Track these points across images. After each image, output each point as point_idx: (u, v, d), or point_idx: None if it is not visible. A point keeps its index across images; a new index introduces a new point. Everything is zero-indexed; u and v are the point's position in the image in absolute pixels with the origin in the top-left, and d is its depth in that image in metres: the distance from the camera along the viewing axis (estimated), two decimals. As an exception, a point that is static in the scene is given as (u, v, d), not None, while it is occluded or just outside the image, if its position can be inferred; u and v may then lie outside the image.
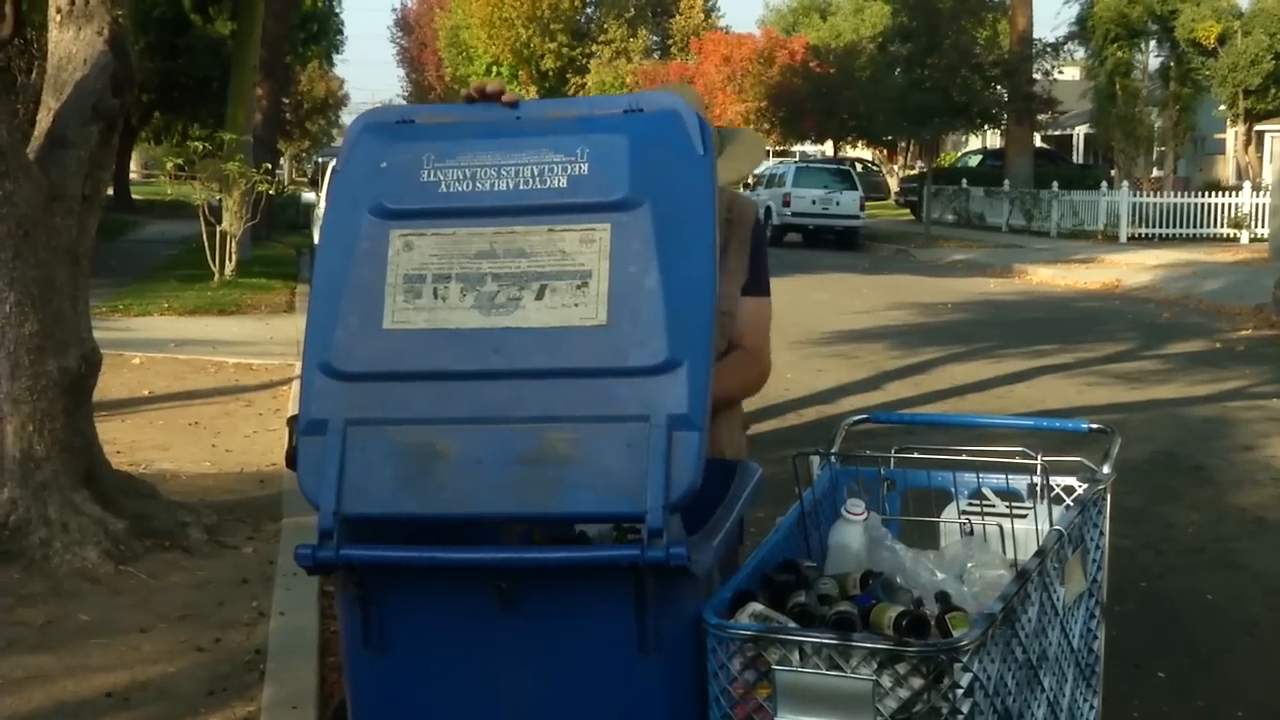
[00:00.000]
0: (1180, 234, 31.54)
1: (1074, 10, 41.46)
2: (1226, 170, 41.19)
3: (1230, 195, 32.30)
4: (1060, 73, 42.92)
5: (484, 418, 2.61)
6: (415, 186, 2.78)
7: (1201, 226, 31.65)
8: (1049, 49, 40.58)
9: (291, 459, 4.09)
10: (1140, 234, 31.65)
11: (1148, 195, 33.33)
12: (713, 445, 3.12)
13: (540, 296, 2.64)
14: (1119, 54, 38.96)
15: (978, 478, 3.40)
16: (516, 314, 2.65)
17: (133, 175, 53.40)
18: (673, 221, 2.66)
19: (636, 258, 2.64)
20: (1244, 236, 30.60)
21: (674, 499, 2.50)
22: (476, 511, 2.60)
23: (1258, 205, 30.62)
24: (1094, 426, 3.50)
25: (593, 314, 2.61)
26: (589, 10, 74.29)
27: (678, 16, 71.54)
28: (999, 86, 38.59)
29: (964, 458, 3.30)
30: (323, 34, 46.77)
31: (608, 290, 2.62)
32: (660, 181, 2.69)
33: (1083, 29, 40.24)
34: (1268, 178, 31.75)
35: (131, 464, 8.00)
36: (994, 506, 3.27)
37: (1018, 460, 3.23)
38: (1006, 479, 3.31)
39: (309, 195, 22.64)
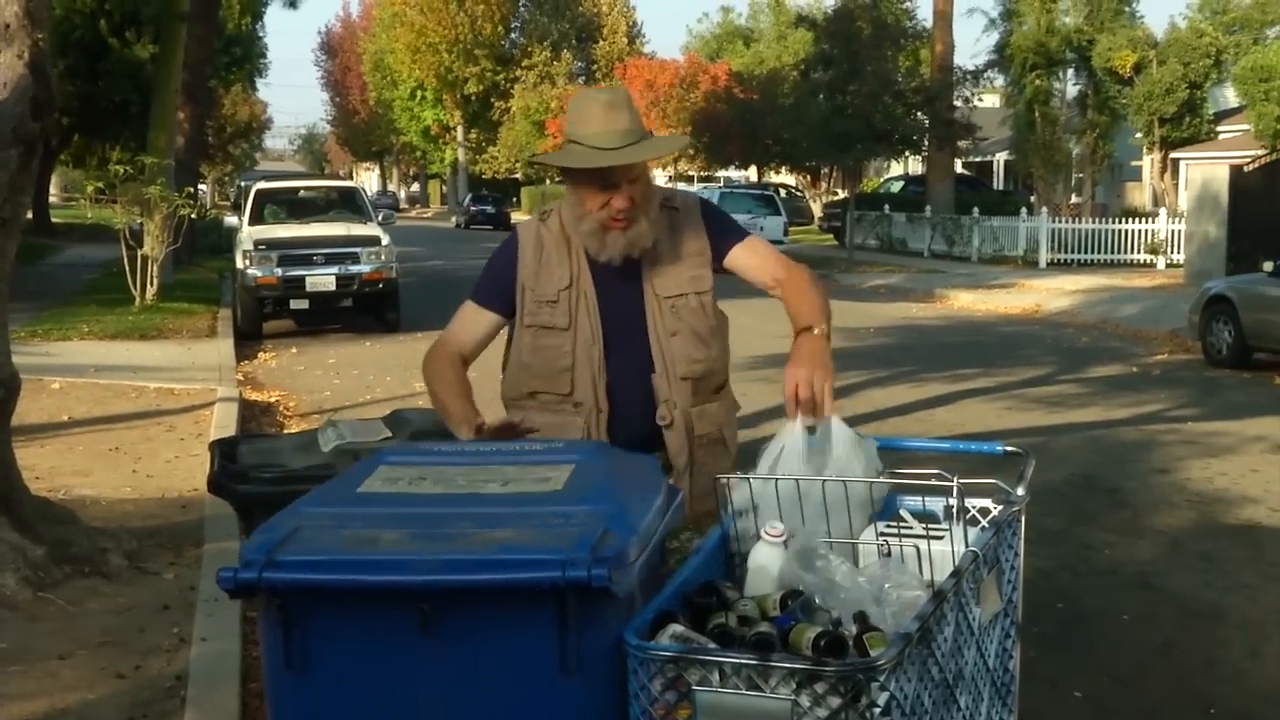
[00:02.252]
0: (1098, 259, 31.98)
1: (993, 38, 42.01)
2: (1143, 197, 41.81)
3: (1146, 221, 32.79)
4: (980, 100, 43.47)
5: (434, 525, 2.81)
6: (415, 449, 3.36)
7: (1119, 252, 32.11)
8: (969, 76, 41.06)
9: (214, 484, 4.10)
10: (1059, 259, 32.07)
11: (1066, 221, 33.76)
12: (711, 423, 3.80)
13: (504, 485, 2.97)
14: (1038, 82, 39.48)
15: (895, 500, 3.45)
16: (480, 491, 2.95)
17: (52, 199, 52.75)
18: (629, 472, 3.10)
19: (594, 474, 3.00)
20: (1160, 262, 31.07)
21: (600, 554, 2.55)
22: (408, 558, 2.61)
23: (1173, 231, 31.11)
24: (1009, 449, 3.56)
25: (550, 486, 2.95)
26: (513, 35, 74.38)
27: (602, 42, 71.88)
28: (920, 113, 38.99)
29: (883, 481, 3.35)
30: (246, 58, 46.48)
31: (568, 477, 2.97)
32: (619, 457, 3.21)
33: (1002, 57, 40.75)
34: (1183, 204, 32.29)
35: (50, 490, 7.92)
36: (911, 528, 3.32)
37: (934, 483, 3.28)
38: (923, 501, 3.37)
39: (231, 219, 22.48)
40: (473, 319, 3.87)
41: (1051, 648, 5.90)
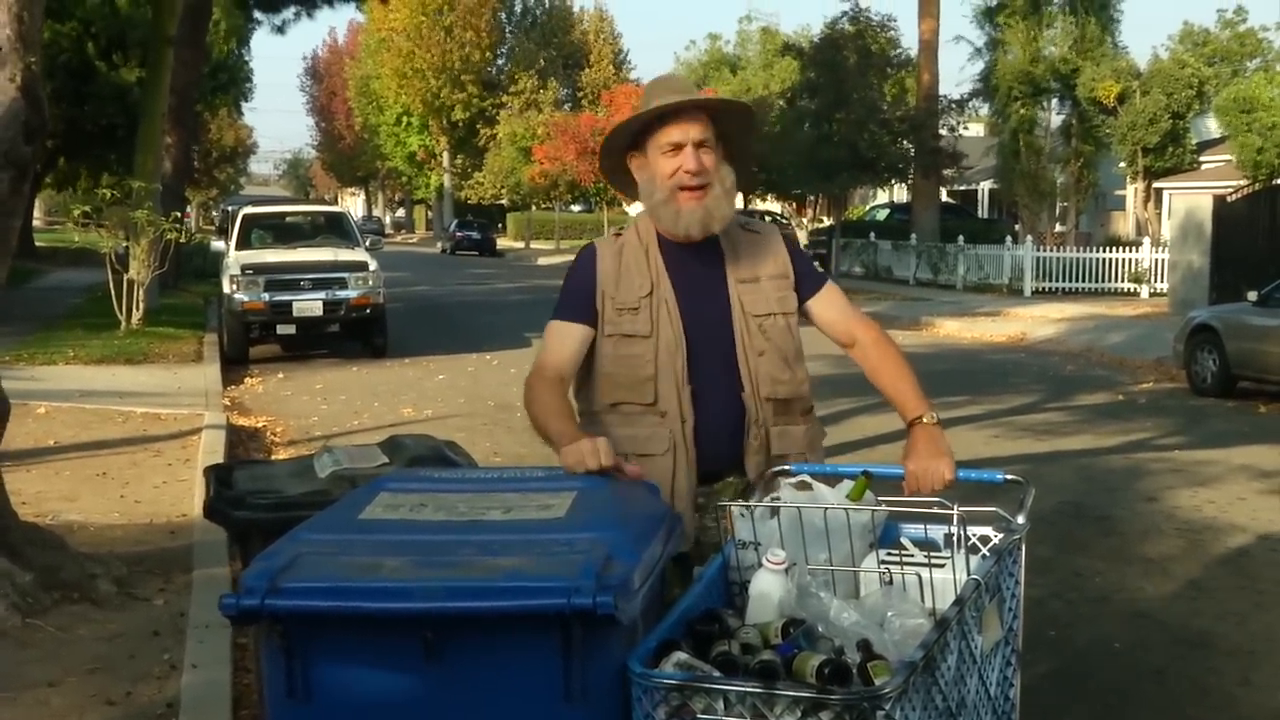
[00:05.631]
0: (1082, 288, 32.08)
1: (978, 67, 42.19)
2: (1126, 226, 41.94)
3: (1130, 250, 32.90)
4: (965, 128, 43.55)
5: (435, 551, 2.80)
6: (415, 476, 3.39)
7: (1103, 281, 32.21)
8: (954, 105, 41.21)
9: (210, 509, 4.08)
10: (1044, 288, 32.15)
11: (1051, 250, 33.86)
12: (792, 446, 3.79)
13: (506, 512, 2.97)
14: (1022, 111, 39.66)
15: (896, 527, 3.45)
16: (482, 518, 2.95)
17: (36, 222, 52.65)
18: (631, 500, 3.13)
19: (596, 501, 3.02)
20: (1144, 291, 31.18)
21: (605, 581, 2.55)
22: (411, 586, 2.60)
23: (1157, 260, 31.23)
24: (1009, 478, 3.56)
25: (553, 514, 2.94)
26: (499, 62, 74.54)
27: (588, 69, 71.99)
28: (905, 141, 39.10)
29: (883, 508, 3.35)
30: (232, 83, 46.50)
31: (569, 505, 2.98)
32: (620, 484, 3.22)
33: (987, 86, 40.93)
34: (1166, 233, 32.41)
35: (38, 515, 7.87)
36: (912, 556, 3.32)
37: (935, 510, 3.29)
38: (925, 529, 3.36)
39: (218, 243, 22.42)
40: (561, 337, 3.76)
41: (1044, 676, 5.90)
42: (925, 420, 3.66)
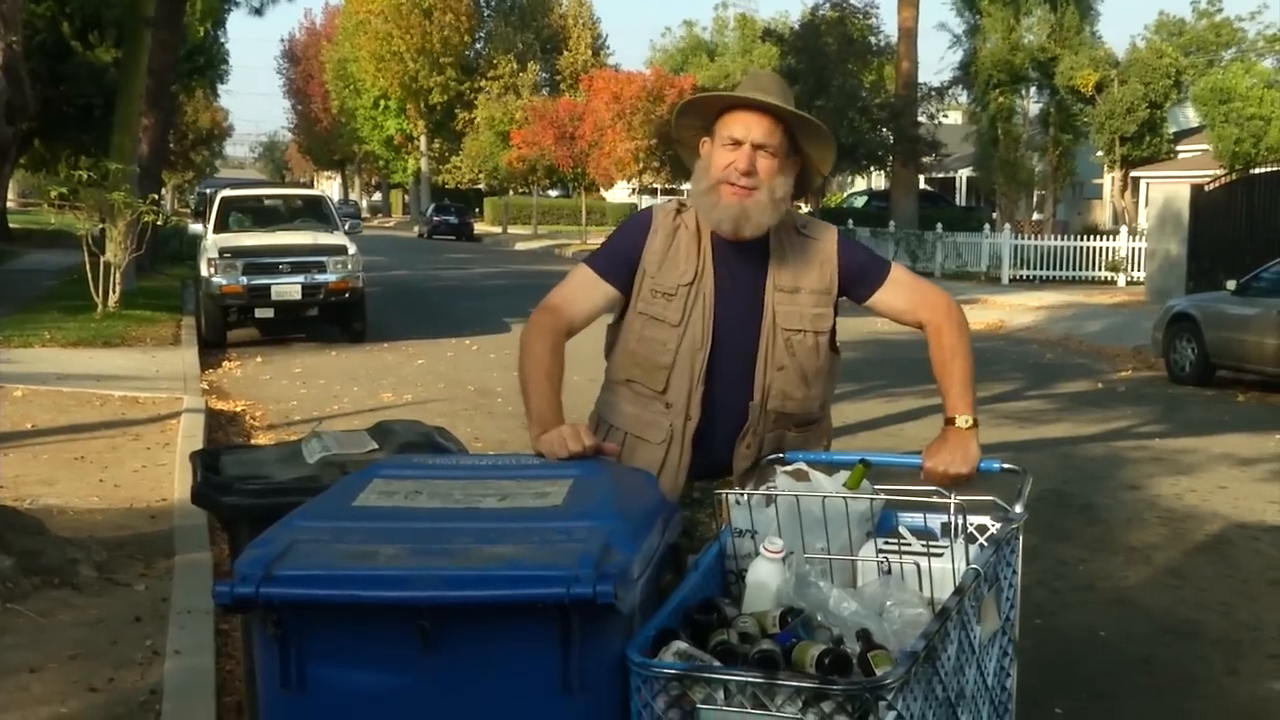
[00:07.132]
0: (1060, 276, 32.15)
1: (958, 55, 42.27)
2: (1104, 214, 42.13)
3: (1107, 239, 32.98)
4: (944, 116, 43.71)
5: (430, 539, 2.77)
6: (409, 462, 3.37)
7: (1080, 269, 32.28)
8: (933, 93, 41.28)
9: (197, 495, 4.03)
10: (1022, 276, 32.23)
11: (1029, 238, 33.94)
12: (782, 451, 3.72)
13: (502, 500, 2.93)
14: (1001, 99, 39.75)
15: (892, 516, 3.43)
16: (479, 506, 2.92)
17: (9, 203, 52.28)
18: (628, 488, 3.10)
19: (593, 489, 2.99)
20: (1121, 279, 31.26)
21: (605, 570, 2.53)
22: (408, 574, 2.57)
23: (1134, 249, 31.32)
24: (1006, 466, 3.54)
25: (550, 502, 2.92)
26: (478, 45, 74.32)
27: (567, 53, 71.84)
28: (885, 129, 39.14)
29: (881, 497, 3.33)
30: (208, 65, 46.23)
31: (566, 492, 2.96)
32: (617, 472, 3.24)
33: (966, 74, 41.01)
34: (1143, 222, 32.50)
35: (16, 499, 7.81)
36: (910, 545, 3.30)
37: (933, 499, 3.27)
38: (924, 518, 3.34)
39: (196, 226, 22.30)
40: (588, 287, 3.72)
41: (1031, 664, 5.86)
42: (957, 423, 3.60)
